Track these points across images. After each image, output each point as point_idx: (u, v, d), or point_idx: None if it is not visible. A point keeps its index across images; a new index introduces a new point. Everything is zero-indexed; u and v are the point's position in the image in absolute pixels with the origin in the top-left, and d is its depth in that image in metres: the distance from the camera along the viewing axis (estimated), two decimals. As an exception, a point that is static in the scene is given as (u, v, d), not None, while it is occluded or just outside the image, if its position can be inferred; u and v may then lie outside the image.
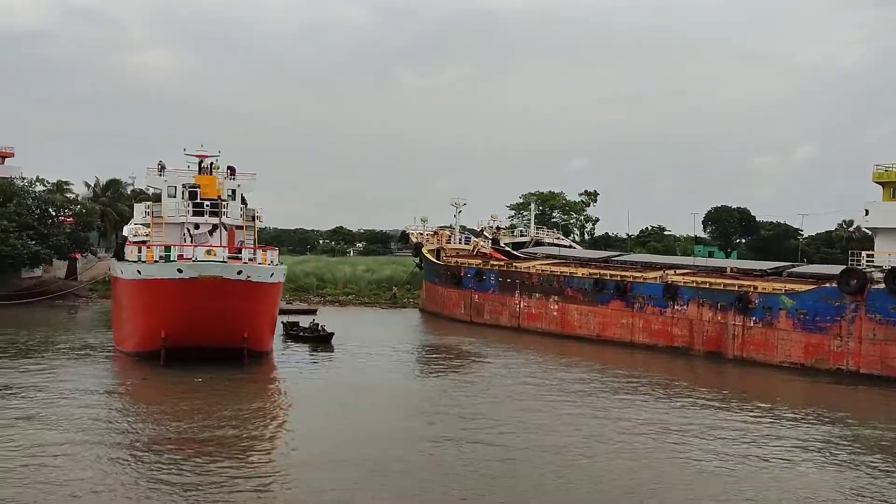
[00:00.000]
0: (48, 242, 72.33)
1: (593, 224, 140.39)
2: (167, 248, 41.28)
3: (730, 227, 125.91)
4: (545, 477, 24.19)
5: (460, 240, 74.17)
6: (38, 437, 27.25)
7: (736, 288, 48.01)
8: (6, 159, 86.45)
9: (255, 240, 45.61)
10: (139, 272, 40.52)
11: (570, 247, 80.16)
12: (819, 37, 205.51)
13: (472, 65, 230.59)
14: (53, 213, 75.01)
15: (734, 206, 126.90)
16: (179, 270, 39.52)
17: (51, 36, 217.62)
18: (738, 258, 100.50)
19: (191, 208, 43.35)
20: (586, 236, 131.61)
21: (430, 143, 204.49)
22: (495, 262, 66.36)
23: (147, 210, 45.15)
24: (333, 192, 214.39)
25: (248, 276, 40.50)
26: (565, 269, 59.79)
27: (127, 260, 42.31)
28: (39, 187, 74.65)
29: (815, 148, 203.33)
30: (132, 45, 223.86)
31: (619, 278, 54.86)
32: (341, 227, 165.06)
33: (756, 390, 39.00)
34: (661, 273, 53.70)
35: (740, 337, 46.68)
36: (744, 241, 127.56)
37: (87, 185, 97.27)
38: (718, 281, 49.62)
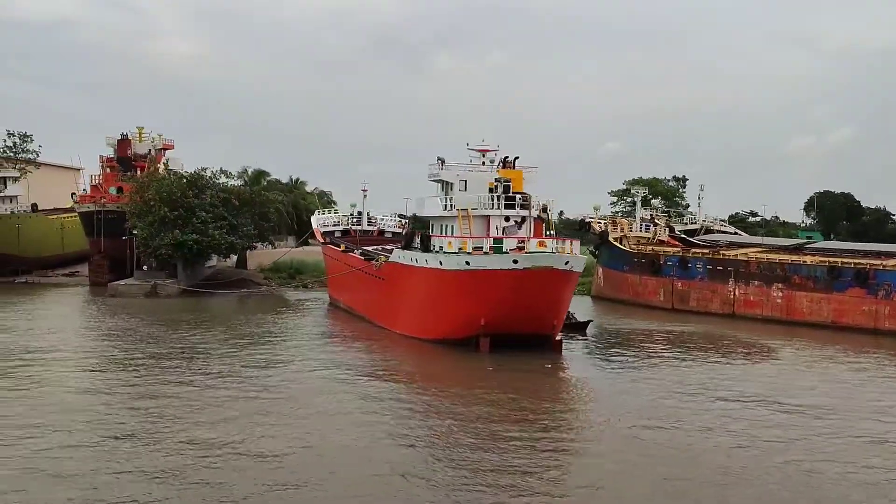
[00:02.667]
0: (238, 233, 73.98)
1: (683, 209, 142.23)
2: (497, 241, 42.87)
3: (834, 212, 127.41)
4: None
5: (640, 227, 75.56)
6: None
7: None
8: (167, 151, 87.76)
9: (553, 231, 47.17)
10: (468, 263, 42.02)
11: (735, 233, 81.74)
12: (851, 16, 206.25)
13: (479, 54, 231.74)
14: (236, 203, 76.38)
15: (837, 192, 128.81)
16: (515, 261, 41.15)
17: (80, 24, 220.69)
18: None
19: (503, 201, 44.71)
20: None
21: (453, 130, 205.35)
22: (697, 250, 67.82)
23: (450, 203, 46.30)
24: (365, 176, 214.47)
25: (572, 267, 42.19)
26: (786, 256, 61.29)
27: (444, 251, 43.74)
28: (223, 178, 76.07)
29: (851, 130, 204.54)
30: (158, 32, 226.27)
31: (852, 265, 56.32)
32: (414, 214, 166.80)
33: None
34: (900, 260, 55.18)
35: None
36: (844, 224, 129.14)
37: (238, 175, 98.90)
38: (978, 268, 51.11)
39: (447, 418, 28.76)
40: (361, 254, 59.22)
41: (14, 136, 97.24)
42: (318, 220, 74.19)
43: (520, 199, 44.90)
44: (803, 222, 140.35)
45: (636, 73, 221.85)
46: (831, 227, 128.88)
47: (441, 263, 43.44)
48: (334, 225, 73.56)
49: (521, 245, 42.91)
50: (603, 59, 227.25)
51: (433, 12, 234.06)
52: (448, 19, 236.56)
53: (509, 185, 45.15)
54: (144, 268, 73.89)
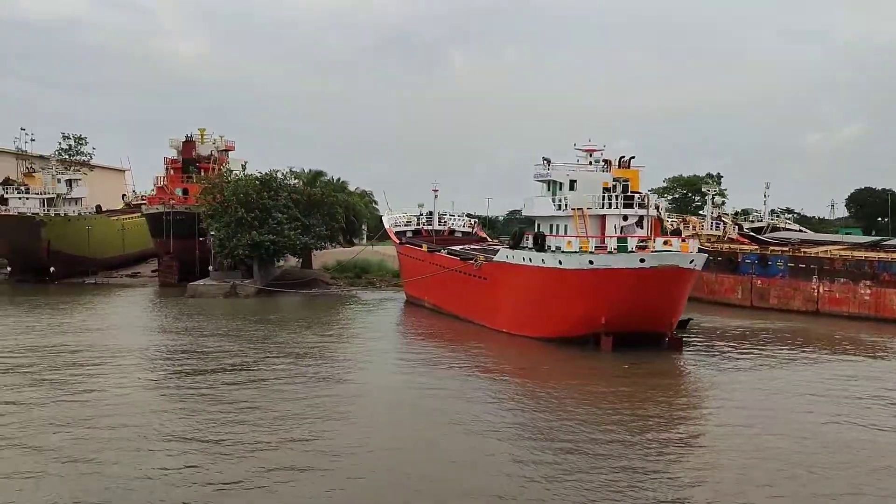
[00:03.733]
0: (310, 233, 74.28)
1: (718, 207, 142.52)
2: (622, 240, 43.21)
3: (876, 208, 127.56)
4: None
5: (711, 225, 75.73)
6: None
7: None
8: (229, 152, 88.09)
9: (666, 230, 47.51)
10: (591, 262, 42.31)
11: (800, 230, 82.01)
12: (860, 11, 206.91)
13: (483, 52, 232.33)
14: (306, 204, 76.58)
15: (879, 188, 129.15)
16: (642, 260, 41.46)
17: (81, 24, 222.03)
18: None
19: (621, 201, 44.99)
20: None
21: (454, 130, 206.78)
22: (775, 248, 68.05)
23: (564, 203, 46.51)
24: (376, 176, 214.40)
25: (696, 265, 42.52)
26: (871, 253, 61.53)
27: (562, 251, 44.04)
28: (293, 179, 76.29)
29: (861, 126, 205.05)
30: (158, 32, 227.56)
31: (944, 262, 56.66)
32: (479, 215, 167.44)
33: None
34: None
35: None
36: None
37: (297, 175, 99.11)
38: None
39: (631, 419, 29.18)
40: (449, 253, 59.48)
41: (69, 138, 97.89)
42: (389, 221, 74.65)
43: (638, 198, 45.21)
44: (825, 217, 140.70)
45: (641, 71, 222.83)
46: (871, 223, 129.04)
47: (560, 262, 43.68)
48: (405, 225, 73.93)
49: (643, 244, 43.22)
50: (609, 58, 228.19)
51: (434, 12, 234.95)
52: (450, 20, 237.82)
53: (628, 185, 45.47)
54: (211, 268, 74.27)
